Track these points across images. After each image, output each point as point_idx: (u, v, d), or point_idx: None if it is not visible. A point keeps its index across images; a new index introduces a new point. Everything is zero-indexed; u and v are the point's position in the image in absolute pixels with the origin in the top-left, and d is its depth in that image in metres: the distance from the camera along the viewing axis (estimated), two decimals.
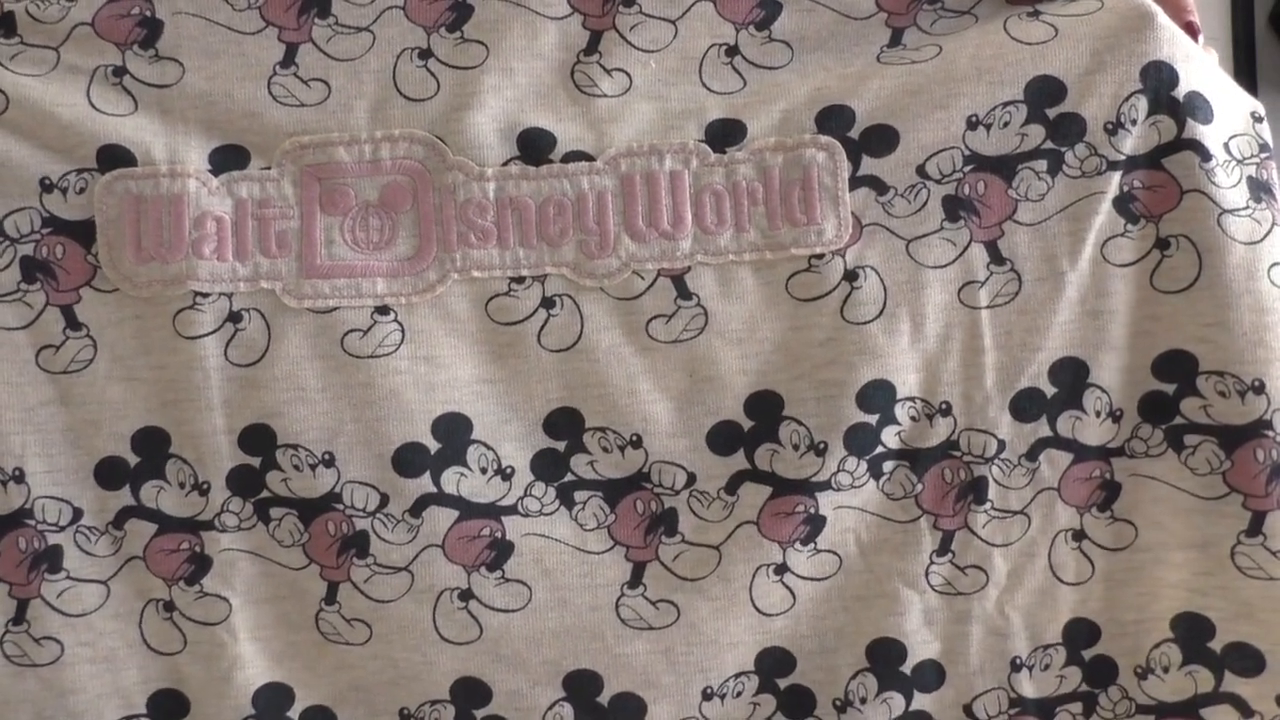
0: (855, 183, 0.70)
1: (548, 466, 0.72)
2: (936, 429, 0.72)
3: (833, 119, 0.70)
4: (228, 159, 0.70)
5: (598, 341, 0.70)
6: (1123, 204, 0.71)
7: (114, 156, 0.70)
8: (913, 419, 0.72)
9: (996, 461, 0.72)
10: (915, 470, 0.73)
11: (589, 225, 0.69)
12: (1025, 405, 0.72)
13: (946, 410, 0.72)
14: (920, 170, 0.71)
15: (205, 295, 0.70)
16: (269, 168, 0.70)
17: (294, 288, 0.70)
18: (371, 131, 0.70)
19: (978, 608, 0.73)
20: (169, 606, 0.72)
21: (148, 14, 0.71)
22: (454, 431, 0.71)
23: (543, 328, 0.70)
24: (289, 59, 0.70)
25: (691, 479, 0.71)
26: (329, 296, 0.70)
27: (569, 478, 0.72)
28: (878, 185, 0.71)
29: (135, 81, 0.71)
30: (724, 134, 0.71)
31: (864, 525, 0.73)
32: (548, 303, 0.70)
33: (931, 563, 0.73)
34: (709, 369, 0.71)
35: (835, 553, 0.73)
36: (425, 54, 0.70)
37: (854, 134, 0.71)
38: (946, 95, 0.71)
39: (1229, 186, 0.70)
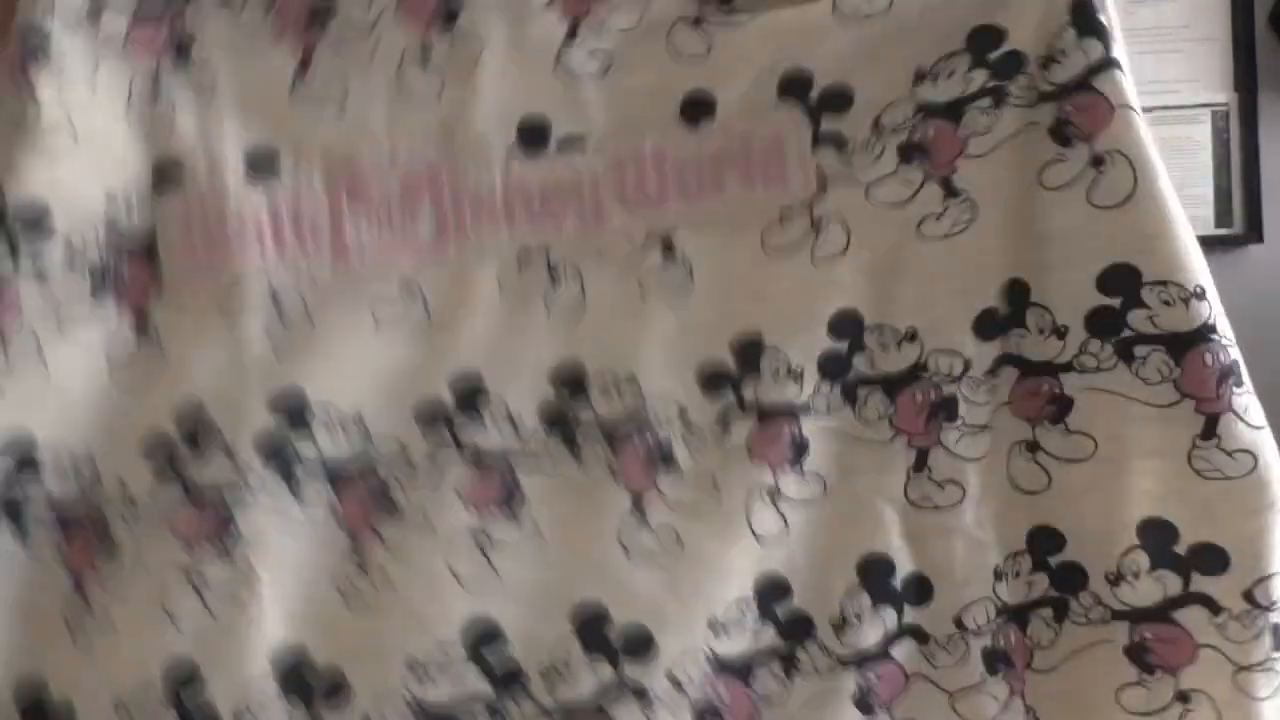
0: (818, 140, 0.76)
1: (553, 414, 0.76)
2: (904, 353, 0.76)
3: (793, 87, 0.76)
4: (260, 159, 0.76)
5: (598, 300, 0.76)
6: (1058, 130, 0.75)
7: (164, 170, 0.76)
8: (881, 346, 0.76)
9: (964, 380, 0.76)
10: (888, 393, 0.76)
11: (585, 202, 0.76)
12: (985, 324, 0.76)
13: (912, 335, 0.76)
14: (875, 124, 0.76)
15: (248, 286, 0.75)
16: (298, 167, 0.76)
17: (327, 270, 0.75)
18: (390, 133, 0.76)
19: (955, 521, 0.76)
20: (192, 570, 0.74)
21: (179, 29, 0.76)
22: (468, 386, 0.76)
23: (548, 292, 0.76)
24: (304, 66, 0.76)
25: (684, 413, 0.75)
26: (358, 276, 0.75)
27: (572, 421, 0.76)
28: (838, 141, 0.76)
29: (171, 94, 0.76)
30: (695, 110, 0.77)
31: (844, 447, 0.76)
32: (552, 271, 0.76)
33: (909, 479, 0.76)
34: (695, 316, 0.76)
35: (820, 474, 0.76)
36: (425, 57, 0.76)
37: (814, 96, 0.76)
38: (897, 54, 0.76)
39: None
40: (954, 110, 0.76)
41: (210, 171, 0.75)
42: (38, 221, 0.73)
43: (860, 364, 0.76)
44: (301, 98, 0.76)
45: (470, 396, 0.76)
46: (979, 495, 0.76)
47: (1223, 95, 1.93)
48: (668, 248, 0.76)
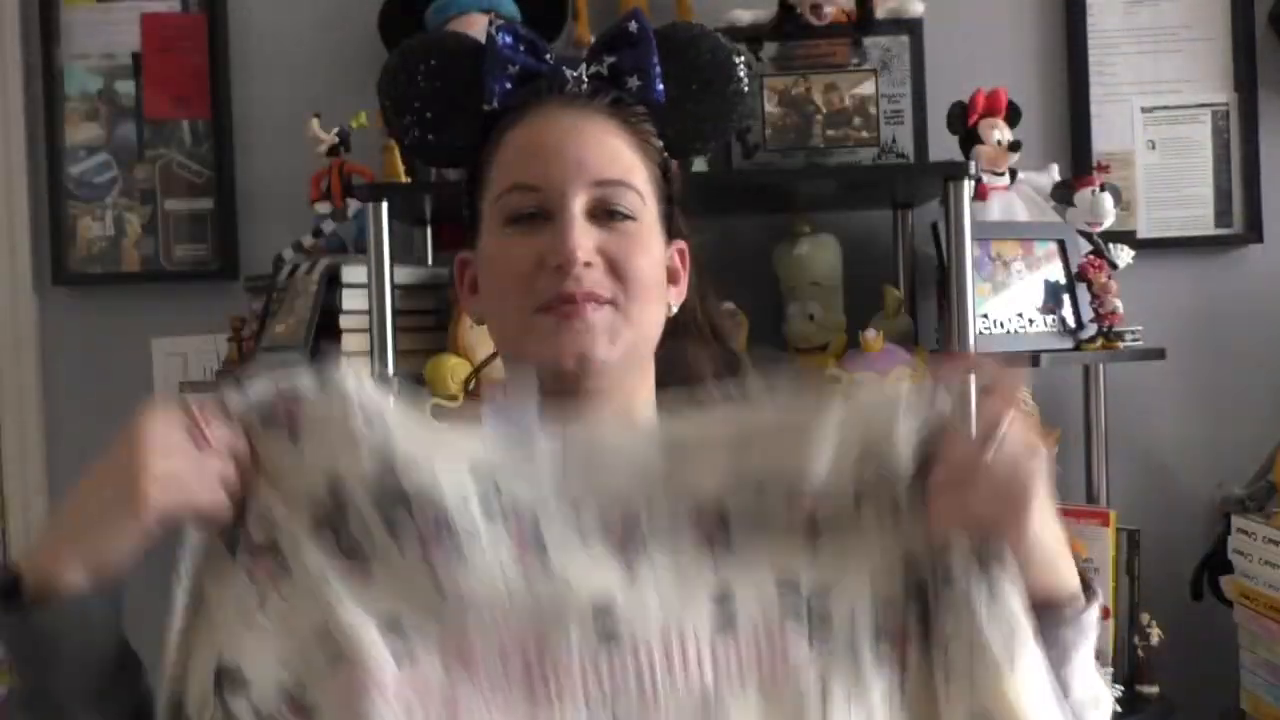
0: (811, 641, 0.87)
1: None
2: None
3: (788, 595, 0.89)
4: (394, 632, 0.88)
5: None
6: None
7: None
8: None
9: None
10: None
11: (643, 675, 0.89)
12: None
13: None
14: (851, 626, 0.87)
15: None
16: (420, 650, 0.88)
17: None
18: (493, 615, 0.88)
19: None
20: None
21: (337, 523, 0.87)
22: None
23: None
24: (432, 572, 0.88)
25: None
26: None
27: None
28: (821, 638, 0.88)
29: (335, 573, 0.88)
30: (724, 608, 0.90)
31: None
32: None
33: None
34: None
35: None
36: (525, 575, 0.90)
37: (804, 603, 0.89)
38: (862, 575, 0.88)
39: None
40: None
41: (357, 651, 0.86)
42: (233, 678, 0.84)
43: None
44: (427, 592, 0.89)
45: None
46: None
47: (1223, 95, 1.92)
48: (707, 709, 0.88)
